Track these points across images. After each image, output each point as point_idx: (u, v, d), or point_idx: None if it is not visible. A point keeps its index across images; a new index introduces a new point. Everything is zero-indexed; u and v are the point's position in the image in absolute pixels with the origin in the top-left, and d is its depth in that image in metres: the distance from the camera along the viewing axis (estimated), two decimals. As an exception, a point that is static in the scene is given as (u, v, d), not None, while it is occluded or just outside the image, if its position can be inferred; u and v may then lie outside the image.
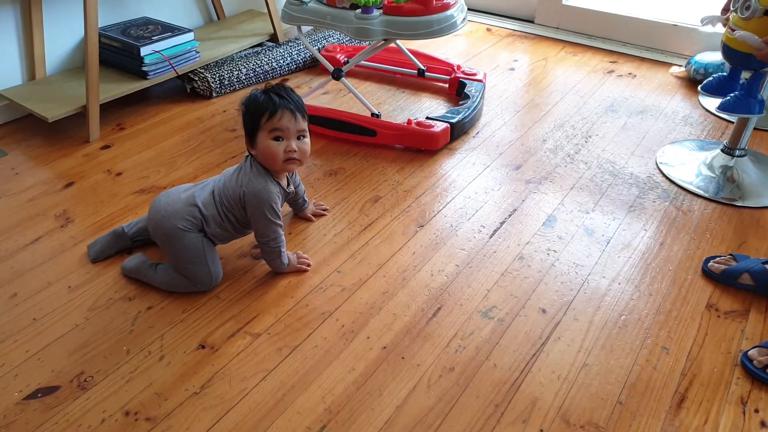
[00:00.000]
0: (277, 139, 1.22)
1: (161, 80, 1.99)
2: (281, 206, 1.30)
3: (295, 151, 1.23)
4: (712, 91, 1.11)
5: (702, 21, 1.09)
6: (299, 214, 1.53)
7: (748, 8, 0.99)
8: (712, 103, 2.11)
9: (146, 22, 2.10)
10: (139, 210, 1.54)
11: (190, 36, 2.05)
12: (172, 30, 2.04)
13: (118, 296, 1.28)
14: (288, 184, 1.33)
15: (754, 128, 1.78)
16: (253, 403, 1.07)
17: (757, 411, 1.08)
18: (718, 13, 1.08)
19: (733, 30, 1.01)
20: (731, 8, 1.04)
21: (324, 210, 1.56)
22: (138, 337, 1.19)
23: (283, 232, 1.30)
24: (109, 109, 1.94)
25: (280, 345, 1.18)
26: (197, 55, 2.09)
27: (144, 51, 1.93)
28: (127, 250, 1.40)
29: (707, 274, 1.38)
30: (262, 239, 1.28)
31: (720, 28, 1.08)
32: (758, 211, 1.59)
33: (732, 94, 1.05)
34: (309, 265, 1.37)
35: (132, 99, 2.00)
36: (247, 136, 1.26)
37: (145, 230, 1.37)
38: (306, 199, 1.52)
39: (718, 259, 1.40)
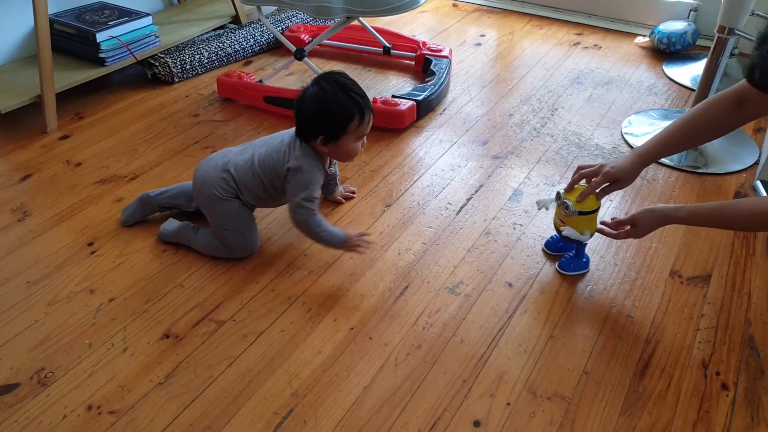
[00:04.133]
0: (358, 140, 1.25)
1: (120, 67, 1.94)
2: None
3: (364, 144, 1.29)
4: (552, 249, 1.35)
5: (538, 204, 1.27)
6: (328, 197, 1.51)
7: (566, 208, 1.20)
8: (677, 72, 2.12)
9: (102, 7, 2.03)
10: (99, 200, 1.51)
11: (148, 20, 1.99)
12: (129, 14, 1.98)
13: (79, 289, 1.25)
14: (329, 165, 1.34)
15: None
16: (218, 390, 1.06)
17: (718, 374, 1.10)
18: (552, 196, 1.25)
19: (562, 221, 1.24)
20: (556, 200, 1.23)
21: (352, 193, 1.53)
22: (100, 329, 1.16)
23: (317, 211, 1.25)
24: (66, 98, 1.88)
25: (246, 331, 1.17)
26: (157, 39, 2.03)
27: (100, 37, 1.87)
28: (156, 216, 1.43)
29: None
30: (297, 218, 1.26)
31: (553, 209, 1.28)
32: (720, 177, 1.61)
33: (565, 256, 1.32)
34: (368, 247, 1.29)
35: (91, 87, 1.94)
36: (320, 136, 1.22)
37: (175, 198, 1.41)
38: (337, 182, 1.50)
39: None
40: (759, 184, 1.56)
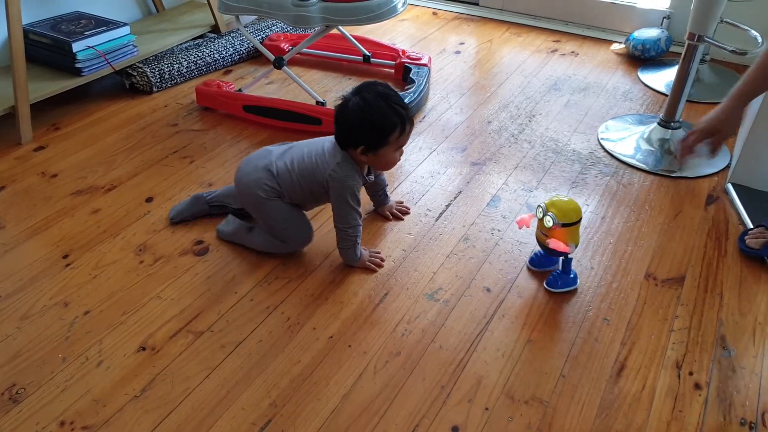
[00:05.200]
0: (397, 150, 1.26)
1: (97, 77, 1.93)
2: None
3: (402, 153, 1.29)
4: (537, 266, 1.33)
5: (518, 224, 1.28)
6: (378, 209, 1.50)
7: (550, 221, 1.20)
8: (652, 78, 2.16)
9: (78, 17, 2.02)
10: (76, 212, 1.49)
11: (126, 30, 1.98)
12: (106, 24, 1.97)
13: (53, 302, 1.23)
14: (368, 173, 1.33)
15: (688, 100, 1.83)
16: (195, 402, 1.05)
17: (691, 373, 1.12)
18: (531, 211, 1.28)
19: (546, 235, 1.23)
20: (537, 215, 1.24)
21: (403, 212, 1.50)
22: (75, 343, 1.15)
23: (361, 223, 1.29)
24: (42, 108, 1.87)
25: (224, 342, 1.16)
26: (135, 49, 2.02)
27: (76, 47, 1.86)
28: (205, 216, 1.45)
29: (744, 251, 1.37)
30: (341, 225, 1.28)
31: (534, 225, 1.28)
32: (693, 181, 1.64)
33: (553, 273, 1.29)
34: (381, 265, 1.34)
35: (68, 97, 1.92)
36: (361, 146, 1.22)
37: (222, 197, 1.43)
38: (388, 194, 1.49)
39: (750, 232, 1.39)
40: (730, 186, 1.59)
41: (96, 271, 1.32)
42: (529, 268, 1.34)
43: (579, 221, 1.23)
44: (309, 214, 1.39)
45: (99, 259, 1.35)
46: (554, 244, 1.21)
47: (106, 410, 1.03)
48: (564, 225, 1.21)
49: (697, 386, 1.10)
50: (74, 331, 1.17)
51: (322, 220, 1.47)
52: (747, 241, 1.36)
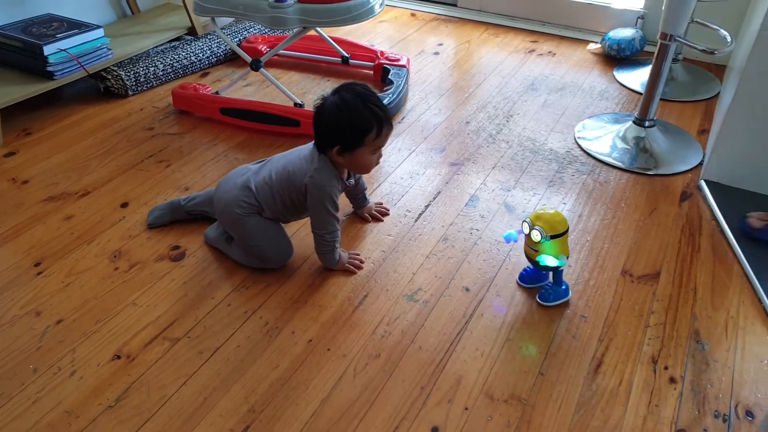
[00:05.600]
0: (374, 152, 1.24)
1: (70, 80, 1.89)
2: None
3: (381, 157, 1.28)
4: (527, 282, 1.30)
5: (506, 240, 1.27)
6: (358, 211, 1.49)
7: (538, 235, 1.17)
8: (627, 77, 2.19)
9: (50, 20, 1.98)
10: (48, 219, 1.46)
11: (99, 32, 1.95)
12: (79, 27, 1.94)
13: (23, 312, 1.21)
14: (348, 177, 1.32)
15: (661, 99, 1.86)
16: (172, 410, 1.03)
17: (666, 368, 1.13)
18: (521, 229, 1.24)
19: (535, 250, 1.20)
20: (524, 231, 1.22)
21: (383, 214, 1.50)
22: (47, 353, 1.13)
23: (339, 227, 1.28)
24: (13, 113, 1.83)
25: (201, 348, 1.15)
26: (109, 52, 1.99)
27: (48, 50, 1.82)
28: (183, 222, 1.44)
29: (745, 231, 1.39)
30: (318, 231, 1.27)
31: (522, 240, 1.26)
32: (668, 178, 1.66)
33: (545, 287, 1.27)
34: (360, 267, 1.34)
35: (39, 102, 1.89)
36: (336, 146, 1.20)
37: (201, 205, 1.42)
38: (366, 196, 1.48)
39: (755, 215, 1.40)
40: (703, 183, 1.62)
41: (69, 279, 1.29)
42: (519, 285, 1.30)
43: (567, 231, 1.20)
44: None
45: (72, 267, 1.32)
46: (545, 260, 1.19)
47: (80, 421, 1.01)
48: (553, 237, 1.18)
49: (672, 380, 1.11)
50: (46, 341, 1.15)
51: (299, 223, 1.46)
52: (750, 221, 1.40)
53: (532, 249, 1.22)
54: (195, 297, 1.26)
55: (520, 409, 1.05)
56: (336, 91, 1.22)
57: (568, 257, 1.23)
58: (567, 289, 1.27)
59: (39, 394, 1.05)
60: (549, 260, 1.19)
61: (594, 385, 1.10)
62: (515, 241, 1.27)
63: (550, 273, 1.27)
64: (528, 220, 1.20)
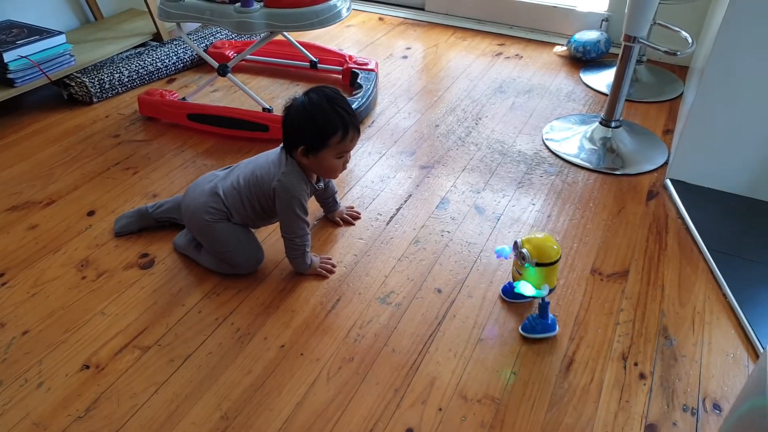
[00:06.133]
0: (339, 156, 1.23)
1: (32, 87, 1.85)
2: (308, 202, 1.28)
3: (348, 162, 1.27)
4: (511, 297, 1.28)
5: (497, 254, 1.24)
6: (329, 215, 1.49)
7: (523, 258, 1.14)
8: (593, 79, 2.23)
9: (10, 26, 1.93)
10: (11, 228, 1.42)
11: (61, 39, 1.92)
12: (40, 33, 1.90)
13: (-14, 325, 1.18)
14: (318, 181, 1.31)
15: (627, 100, 1.90)
16: (143, 419, 1.02)
17: (636, 364, 1.16)
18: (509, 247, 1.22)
19: (519, 273, 1.17)
20: (513, 250, 1.19)
21: (354, 217, 1.49)
22: (12, 365, 1.09)
23: (309, 231, 1.27)
24: (-27, 122, 1.78)
25: (172, 356, 1.13)
26: (72, 58, 1.95)
27: (8, 57, 1.78)
28: (151, 229, 1.42)
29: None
30: (288, 235, 1.26)
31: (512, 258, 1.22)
32: (634, 178, 1.70)
33: (528, 318, 1.21)
34: (332, 271, 1.33)
35: (1, 110, 1.84)
36: (301, 146, 1.20)
37: (170, 212, 1.40)
38: (337, 200, 1.47)
39: None
40: (669, 182, 1.66)
41: (35, 289, 1.26)
42: (501, 298, 1.28)
43: (557, 261, 1.13)
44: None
45: (38, 277, 1.29)
46: (523, 287, 1.13)
47: (46, 435, 0.99)
48: (539, 265, 1.11)
49: (642, 376, 1.13)
50: (11, 353, 1.12)
51: (270, 228, 1.45)
52: None
53: (517, 271, 1.18)
54: (165, 305, 1.24)
55: (494, 409, 1.06)
56: (306, 93, 1.23)
57: (553, 289, 1.16)
58: (554, 323, 1.19)
59: (5, 407, 1.02)
60: (526, 288, 1.13)
61: (566, 383, 1.12)
62: (506, 258, 1.23)
63: (537, 304, 1.19)
64: (518, 241, 1.15)
